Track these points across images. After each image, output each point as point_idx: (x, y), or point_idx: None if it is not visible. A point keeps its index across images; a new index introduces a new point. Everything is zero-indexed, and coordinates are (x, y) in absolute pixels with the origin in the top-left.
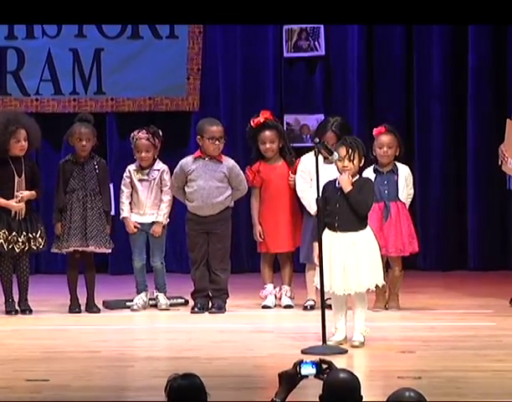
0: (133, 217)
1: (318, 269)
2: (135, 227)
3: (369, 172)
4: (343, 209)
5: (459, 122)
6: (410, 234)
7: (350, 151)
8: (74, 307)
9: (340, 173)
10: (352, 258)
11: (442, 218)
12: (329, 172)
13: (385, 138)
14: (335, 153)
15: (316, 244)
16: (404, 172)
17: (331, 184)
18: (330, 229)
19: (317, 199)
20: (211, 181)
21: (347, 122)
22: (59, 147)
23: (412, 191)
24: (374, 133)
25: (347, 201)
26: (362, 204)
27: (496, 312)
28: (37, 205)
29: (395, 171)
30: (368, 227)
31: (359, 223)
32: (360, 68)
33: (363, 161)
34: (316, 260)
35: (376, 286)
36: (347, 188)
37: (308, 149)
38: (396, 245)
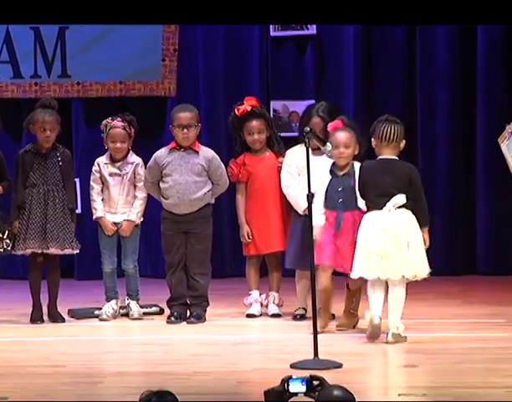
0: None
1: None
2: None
3: (325, 174)
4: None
5: (468, 110)
6: None
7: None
8: (36, 316)
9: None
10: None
11: (448, 217)
12: (318, 165)
13: (341, 136)
14: (328, 144)
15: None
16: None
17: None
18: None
19: (308, 195)
20: (187, 175)
21: (334, 105)
22: (19, 137)
23: None
24: (328, 128)
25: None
26: (423, 214)
27: (508, 322)
28: None
29: (351, 174)
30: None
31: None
32: (357, 49)
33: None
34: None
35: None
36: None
37: (298, 138)
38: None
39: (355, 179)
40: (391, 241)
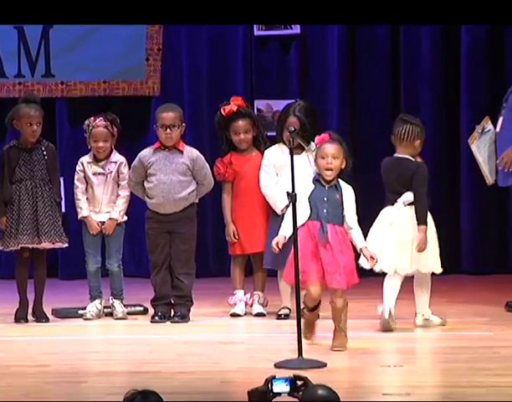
0: None
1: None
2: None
3: (307, 184)
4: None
5: (451, 109)
6: (350, 266)
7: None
8: (21, 315)
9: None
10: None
11: (432, 216)
12: (297, 165)
13: (329, 147)
14: (312, 143)
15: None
16: (350, 193)
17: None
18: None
19: (290, 195)
20: (172, 174)
21: (311, 105)
22: (3, 135)
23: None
24: (316, 142)
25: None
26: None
27: (493, 321)
28: None
29: (338, 188)
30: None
31: None
32: (341, 49)
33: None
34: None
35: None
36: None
37: (275, 138)
38: (335, 277)
39: (341, 195)
40: (396, 237)
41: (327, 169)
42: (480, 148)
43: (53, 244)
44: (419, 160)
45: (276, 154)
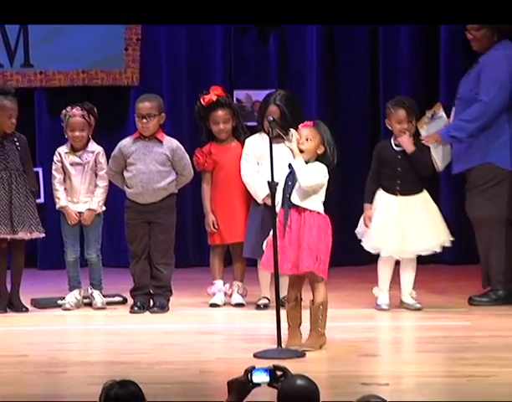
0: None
1: (370, 231)
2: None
3: (283, 169)
4: (405, 173)
5: (431, 99)
6: (318, 250)
7: (409, 113)
8: (0, 305)
9: (398, 136)
10: (412, 222)
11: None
12: (279, 153)
13: (304, 129)
14: (291, 133)
15: (368, 205)
16: (312, 168)
17: (388, 147)
18: (388, 192)
19: (270, 184)
20: (151, 164)
21: (292, 95)
22: None
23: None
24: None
25: (409, 163)
26: (426, 165)
27: (471, 311)
28: None
29: None
30: (424, 189)
31: (419, 184)
32: (320, 38)
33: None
34: (368, 222)
35: (290, 322)
36: (410, 148)
37: (256, 127)
38: (293, 261)
39: None
40: (393, 218)
41: (300, 150)
42: (430, 133)
43: (30, 233)
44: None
45: (257, 143)
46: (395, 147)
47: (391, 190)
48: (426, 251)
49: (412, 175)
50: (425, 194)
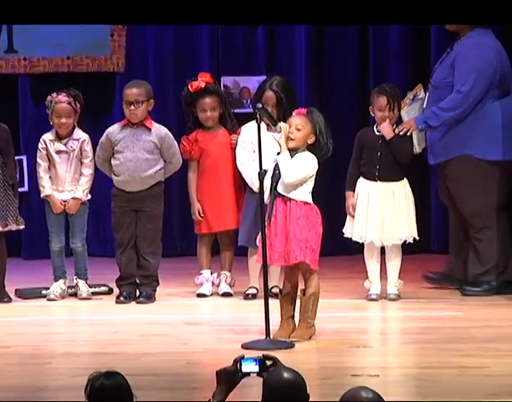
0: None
1: (354, 220)
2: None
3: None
4: (385, 158)
5: (423, 85)
6: (307, 241)
7: (390, 100)
8: None
9: (379, 123)
10: (392, 208)
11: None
12: (273, 142)
13: (295, 117)
14: (280, 124)
15: (350, 193)
16: (298, 159)
17: (370, 132)
18: (367, 178)
19: (259, 173)
20: (139, 152)
21: (288, 80)
22: None
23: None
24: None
25: (390, 149)
26: (406, 152)
27: (463, 301)
28: None
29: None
30: (405, 178)
31: (399, 172)
32: (309, 25)
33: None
34: (351, 210)
35: (282, 314)
36: (390, 135)
37: (249, 115)
38: (281, 252)
39: None
40: (373, 205)
41: (289, 138)
42: (410, 115)
43: (7, 226)
44: None
45: (253, 130)
46: (376, 133)
47: (370, 176)
48: (400, 241)
49: (392, 162)
50: (405, 183)
